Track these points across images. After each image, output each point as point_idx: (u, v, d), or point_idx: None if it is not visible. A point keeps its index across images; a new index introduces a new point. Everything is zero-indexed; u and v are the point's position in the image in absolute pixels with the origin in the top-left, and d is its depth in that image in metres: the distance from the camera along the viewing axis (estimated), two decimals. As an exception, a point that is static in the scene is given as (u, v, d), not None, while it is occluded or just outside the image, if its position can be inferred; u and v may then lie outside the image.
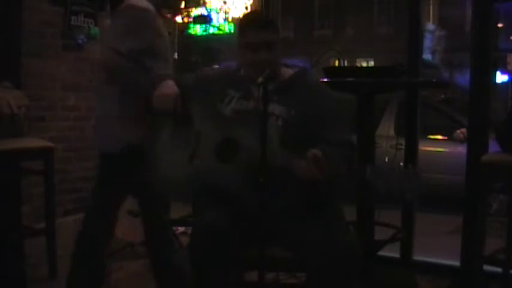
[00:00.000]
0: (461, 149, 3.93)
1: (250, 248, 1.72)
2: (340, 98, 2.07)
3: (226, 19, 7.11)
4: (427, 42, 20.12)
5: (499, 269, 2.64)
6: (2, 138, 2.81)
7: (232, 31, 7.12)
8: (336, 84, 2.49)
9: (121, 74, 2.16)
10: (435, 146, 5.64)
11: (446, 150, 5.59)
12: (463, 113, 4.99)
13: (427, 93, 7.47)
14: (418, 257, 3.16)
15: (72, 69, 3.71)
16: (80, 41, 3.71)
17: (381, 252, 2.80)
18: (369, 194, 2.64)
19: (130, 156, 2.11)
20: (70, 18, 3.61)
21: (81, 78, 3.79)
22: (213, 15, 7.06)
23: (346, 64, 2.92)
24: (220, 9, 7.07)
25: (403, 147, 3.21)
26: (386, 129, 5.63)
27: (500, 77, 15.43)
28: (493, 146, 2.79)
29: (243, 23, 1.99)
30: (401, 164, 3.21)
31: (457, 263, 2.95)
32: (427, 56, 19.27)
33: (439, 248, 3.40)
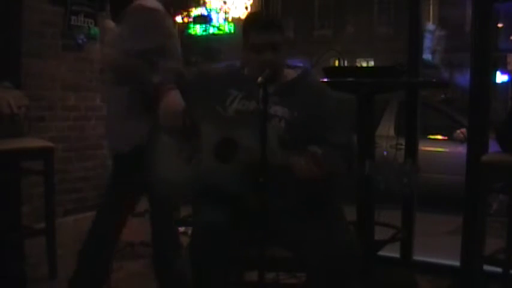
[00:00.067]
0: (461, 149, 3.92)
1: (250, 248, 1.72)
2: (342, 98, 2.07)
3: (226, 19, 7.11)
4: (427, 42, 20.12)
5: (499, 269, 2.64)
6: (2, 138, 2.81)
7: (232, 31, 7.11)
8: (336, 84, 2.49)
9: (130, 75, 2.15)
10: (435, 146, 5.63)
11: (446, 150, 5.59)
12: (463, 113, 4.99)
13: (427, 93, 7.47)
14: (418, 257, 3.15)
15: (72, 69, 3.71)
16: (80, 41, 3.72)
17: (381, 252, 2.80)
18: (369, 194, 2.64)
19: (141, 156, 2.11)
20: (70, 18, 3.62)
21: (81, 78, 3.79)
22: (213, 15, 7.06)
23: (346, 64, 2.92)
24: (220, 9, 7.07)
25: (403, 147, 3.21)
26: (386, 129, 5.62)
27: (500, 77, 15.42)
28: (493, 146, 2.79)
29: (248, 24, 1.96)
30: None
31: (457, 263, 2.95)
32: (427, 56, 19.27)
33: (439, 248, 3.40)
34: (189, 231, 2.74)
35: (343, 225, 1.89)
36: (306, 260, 1.75)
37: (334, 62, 3.21)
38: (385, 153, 4.48)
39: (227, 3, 7.03)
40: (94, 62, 3.87)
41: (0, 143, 2.77)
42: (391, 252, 3.09)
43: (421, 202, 3.17)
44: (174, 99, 1.97)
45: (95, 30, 3.79)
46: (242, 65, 2.04)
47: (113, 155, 2.34)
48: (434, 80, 3.09)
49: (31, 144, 2.96)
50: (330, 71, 2.61)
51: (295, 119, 1.88)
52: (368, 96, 2.66)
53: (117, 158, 2.30)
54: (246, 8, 6.93)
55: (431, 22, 21.67)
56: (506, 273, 2.58)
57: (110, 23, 2.40)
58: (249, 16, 2.31)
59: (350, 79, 2.57)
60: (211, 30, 7.06)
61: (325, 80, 2.51)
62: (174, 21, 2.45)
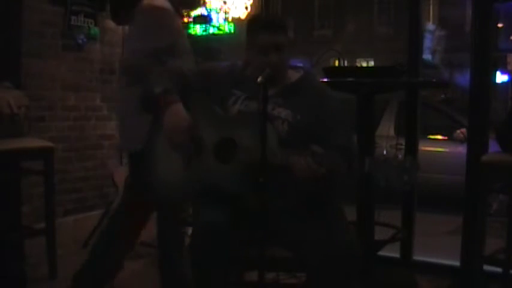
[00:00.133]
0: (461, 149, 3.92)
1: (250, 248, 1.72)
2: (342, 98, 2.07)
3: (226, 19, 7.09)
4: (427, 42, 20.12)
5: (499, 269, 2.64)
6: (2, 138, 2.81)
7: (232, 31, 7.10)
8: (336, 84, 2.48)
9: (139, 75, 2.15)
10: (435, 146, 5.63)
11: (446, 150, 5.59)
12: (463, 113, 4.99)
13: (427, 93, 7.47)
14: (418, 257, 3.15)
15: (72, 69, 3.72)
16: (80, 41, 3.72)
17: (381, 252, 2.80)
18: (369, 193, 2.64)
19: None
20: (70, 18, 3.62)
21: (81, 78, 3.79)
22: (213, 15, 7.05)
23: (346, 64, 2.92)
24: (220, 9, 7.06)
25: (403, 147, 3.21)
26: (386, 129, 5.62)
27: (500, 77, 15.41)
28: (493, 146, 2.79)
29: (253, 24, 1.95)
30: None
31: (457, 263, 2.95)
32: (427, 56, 19.27)
33: (439, 248, 3.40)
34: (189, 231, 2.75)
35: (343, 225, 1.89)
36: (306, 260, 1.75)
37: (334, 62, 3.21)
38: (384, 153, 4.48)
39: (227, 3, 7.02)
40: (94, 62, 3.88)
41: (0, 143, 2.77)
42: (391, 252, 3.09)
43: (421, 202, 3.17)
44: (177, 115, 1.86)
45: (95, 30, 3.79)
46: (244, 65, 2.02)
47: (127, 154, 2.35)
48: (434, 80, 3.08)
49: (31, 144, 2.96)
50: (330, 71, 2.61)
51: (298, 122, 1.88)
52: (368, 96, 2.66)
53: (131, 157, 2.32)
54: (246, 8, 6.92)
55: (431, 22, 21.67)
56: (506, 273, 2.58)
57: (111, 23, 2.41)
58: (254, 16, 2.31)
59: (350, 79, 2.57)
60: (211, 30, 7.04)
61: (325, 80, 2.51)
62: (183, 21, 2.45)
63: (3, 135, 2.83)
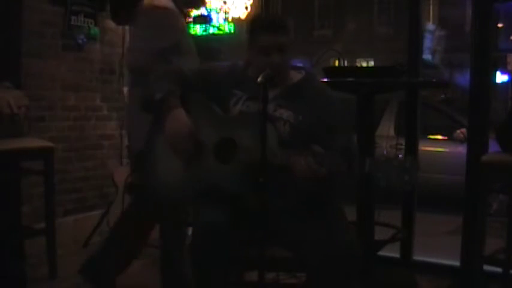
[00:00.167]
0: (461, 149, 3.92)
1: (250, 248, 1.72)
2: (343, 98, 2.07)
3: (226, 19, 7.09)
4: (427, 42, 20.12)
5: (499, 269, 2.64)
6: (2, 138, 2.81)
7: (232, 31, 7.10)
8: (336, 84, 2.48)
9: (146, 75, 2.15)
10: (435, 146, 5.64)
11: (446, 150, 5.59)
12: (463, 113, 4.99)
13: (427, 93, 7.47)
14: (418, 257, 3.15)
15: (72, 69, 3.71)
16: (80, 41, 3.71)
17: (381, 252, 2.80)
18: (369, 193, 2.64)
19: None
20: (70, 18, 3.61)
21: (81, 78, 3.79)
22: (213, 15, 7.05)
23: (346, 64, 2.92)
24: (220, 9, 7.06)
25: (403, 147, 3.21)
26: (386, 129, 5.63)
27: (500, 77, 15.41)
28: (493, 146, 2.79)
29: (256, 25, 1.93)
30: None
31: (457, 263, 2.95)
32: (427, 56, 19.26)
33: (439, 248, 3.40)
34: (189, 231, 2.75)
35: (343, 225, 1.89)
36: (306, 260, 1.75)
37: (334, 62, 3.21)
38: (384, 153, 4.48)
39: (227, 3, 7.02)
40: (94, 62, 3.87)
41: (0, 143, 2.77)
42: (391, 252, 3.09)
43: (421, 202, 3.17)
44: (179, 120, 1.85)
45: (95, 30, 3.79)
46: (246, 65, 2.01)
47: (133, 155, 2.36)
48: (434, 80, 3.08)
49: (31, 144, 2.96)
50: (330, 71, 2.61)
51: (300, 123, 1.88)
52: (368, 96, 2.66)
53: (136, 157, 2.33)
54: (246, 8, 6.92)
55: (431, 22, 21.66)
56: (506, 273, 2.58)
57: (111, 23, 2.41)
58: (256, 17, 2.30)
59: (350, 79, 2.57)
60: (211, 30, 7.04)
61: (325, 80, 2.51)
62: (186, 20, 2.45)
63: (3, 135, 2.83)
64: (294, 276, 2.22)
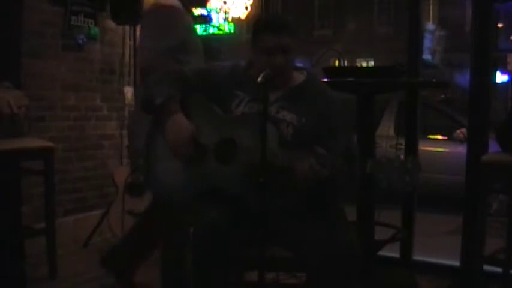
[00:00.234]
0: (461, 149, 3.93)
1: (250, 248, 1.72)
2: (343, 98, 2.07)
3: (226, 19, 7.09)
4: (427, 42, 20.12)
5: (499, 269, 2.64)
6: (2, 138, 2.81)
7: (232, 31, 7.10)
8: (336, 84, 2.49)
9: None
10: (435, 146, 5.64)
11: (446, 150, 5.59)
12: (463, 113, 4.99)
13: (427, 93, 7.47)
14: (418, 257, 3.16)
15: (72, 69, 3.71)
16: (80, 41, 3.71)
17: (381, 252, 2.80)
18: (369, 194, 2.64)
19: None
20: (70, 18, 3.61)
21: (81, 78, 3.79)
22: (213, 15, 7.04)
23: (346, 64, 2.92)
24: (220, 9, 7.06)
25: (403, 147, 3.21)
26: (386, 129, 5.63)
27: (500, 77, 15.40)
28: (493, 146, 2.79)
29: (259, 26, 1.92)
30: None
31: (457, 263, 2.95)
32: (427, 56, 19.26)
33: (439, 248, 3.40)
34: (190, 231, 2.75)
35: (344, 225, 1.89)
36: (306, 260, 1.75)
37: (334, 62, 3.22)
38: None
39: (227, 3, 7.02)
40: (94, 62, 3.87)
41: (0, 143, 2.77)
42: (391, 252, 3.09)
43: (421, 202, 3.17)
44: (179, 125, 1.85)
45: (95, 30, 3.79)
46: (248, 66, 2.00)
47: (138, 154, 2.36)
48: (434, 80, 3.08)
49: (31, 144, 2.96)
50: (330, 71, 2.61)
51: (302, 125, 1.88)
52: (368, 96, 2.66)
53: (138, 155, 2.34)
54: (246, 8, 6.92)
55: (431, 22, 21.66)
56: (506, 273, 2.58)
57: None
58: (260, 18, 2.30)
59: (350, 79, 2.57)
60: (211, 30, 7.04)
61: (325, 80, 2.52)
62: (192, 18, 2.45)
63: (3, 135, 2.83)
64: (294, 276, 2.22)
